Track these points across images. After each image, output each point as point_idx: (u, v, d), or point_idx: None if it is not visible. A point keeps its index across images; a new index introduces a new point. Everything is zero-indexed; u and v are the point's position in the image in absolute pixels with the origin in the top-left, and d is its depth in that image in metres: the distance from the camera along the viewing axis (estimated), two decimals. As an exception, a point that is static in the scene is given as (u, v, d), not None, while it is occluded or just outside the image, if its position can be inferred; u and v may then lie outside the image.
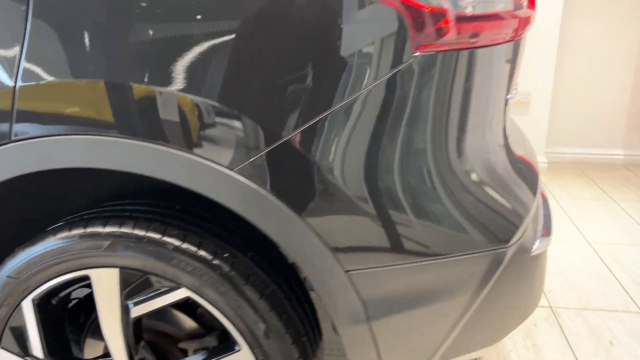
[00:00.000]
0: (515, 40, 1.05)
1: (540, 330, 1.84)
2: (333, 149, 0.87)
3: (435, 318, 0.99)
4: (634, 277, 2.17)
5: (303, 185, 0.88)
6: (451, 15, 0.85)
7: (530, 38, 3.29)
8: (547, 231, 1.07)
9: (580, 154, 3.70)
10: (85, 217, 0.99)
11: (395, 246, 0.92)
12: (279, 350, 0.97)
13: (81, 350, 1.12)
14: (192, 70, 0.83)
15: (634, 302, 1.99)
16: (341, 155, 0.87)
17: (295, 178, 0.87)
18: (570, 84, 3.58)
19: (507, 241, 0.96)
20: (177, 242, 0.94)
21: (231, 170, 0.86)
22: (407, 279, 0.95)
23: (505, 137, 1.07)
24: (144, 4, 0.83)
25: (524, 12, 1.08)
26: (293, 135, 0.85)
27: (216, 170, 0.86)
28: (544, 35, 3.30)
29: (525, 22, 1.09)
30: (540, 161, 3.53)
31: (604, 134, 3.66)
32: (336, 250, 0.91)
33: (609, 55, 3.51)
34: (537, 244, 1.02)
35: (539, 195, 1.08)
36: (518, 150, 1.19)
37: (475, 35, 0.89)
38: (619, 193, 3.12)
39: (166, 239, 0.94)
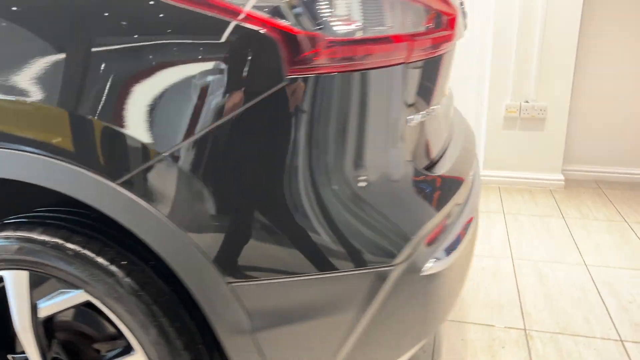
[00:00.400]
0: (422, 61, 1.06)
1: (507, 353, 1.80)
2: (211, 166, 0.91)
3: (323, 332, 1.01)
4: (623, 304, 2.08)
5: (183, 199, 0.93)
6: (324, 39, 0.88)
7: (546, 48, 3.22)
8: (449, 252, 1.07)
9: (601, 172, 3.56)
10: (6, 222, 1.07)
11: (277, 261, 0.96)
12: (171, 355, 1.02)
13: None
14: (74, 86, 0.89)
15: (615, 329, 1.91)
16: (219, 172, 0.92)
17: (175, 192, 0.92)
18: (589, 98, 3.46)
19: (391, 260, 0.97)
20: (78, 248, 1.01)
21: (114, 182, 0.92)
22: (291, 293, 0.98)
23: (412, 155, 1.07)
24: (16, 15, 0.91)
25: (436, 33, 1.09)
26: (170, 151, 0.90)
27: (100, 182, 0.92)
28: (559, 45, 3.21)
29: (438, 41, 1.10)
30: (556, 179, 3.42)
31: (628, 151, 3.51)
32: (217, 262, 0.95)
33: (632, 66, 3.37)
34: (429, 263, 1.02)
35: (443, 215, 1.08)
36: (441, 168, 1.20)
37: (355, 58, 0.92)
38: (635, 215, 2.98)
39: (68, 244, 1.01)
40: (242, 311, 0.98)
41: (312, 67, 0.90)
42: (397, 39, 0.96)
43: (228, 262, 0.95)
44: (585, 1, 3.22)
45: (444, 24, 1.14)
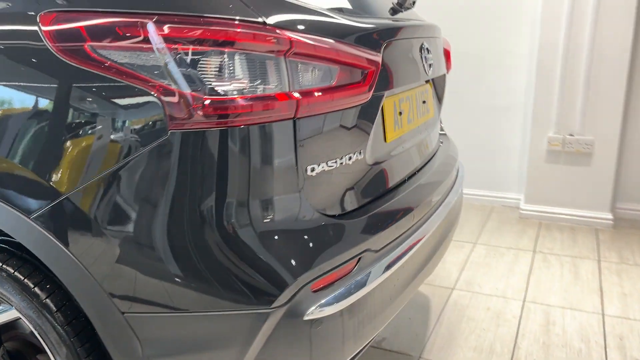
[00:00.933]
0: (323, 114, 1.11)
1: (479, 401, 1.74)
2: (105, 207, 1.03)
3: (210, 366, 1.08)
4: (628, 361, 1.93)
5: (83, 235, 1.05)
6: (202, 98, 0.97)
7: (593, 79, 3.05)
8: (340, 298, 1.09)
9: (658, 212, 3.29)
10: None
11: (165, 296, 1.04)
12: (80, 372, 1.14)
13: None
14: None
15: (607, 389, 1.79)
16: (113, 213, 1.02)
17: (76, 229, 1.05)
18: (644, 134, 3.23)
19: (269, 303, 1.02)
20: (11, 270, 1.16)
21: (29, 217, 1.06)
22: (179, 326, 1.06)
23: (315, 202, 1.12)
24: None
25: (343, 88, 1.14)
26: (71, 193, 1.03)
27: (18, 217, 1.06)
28: (608, 75, 3.03)
29: (346, 94, 1.15)
30: (605, 218, 3.21)
31: (690, 192, 3.22)
32: (112, 294, 1.06)
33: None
34: (312, 308, 1.06)
35: (339, 261, 1.11)
36: (370, 210, 1.23)
37: (235, 115, 0.99)
38: (685, 262, 2.73)
39: (4, 266, 1.16)
40: (135, 339, 1.07)
41: (192, 123, 0.98)
42: (281, 97, 1.02)
43: (122, 294, 1.05)
44: (636, 28, 3.02)
45: (357, 78, 1.17)
